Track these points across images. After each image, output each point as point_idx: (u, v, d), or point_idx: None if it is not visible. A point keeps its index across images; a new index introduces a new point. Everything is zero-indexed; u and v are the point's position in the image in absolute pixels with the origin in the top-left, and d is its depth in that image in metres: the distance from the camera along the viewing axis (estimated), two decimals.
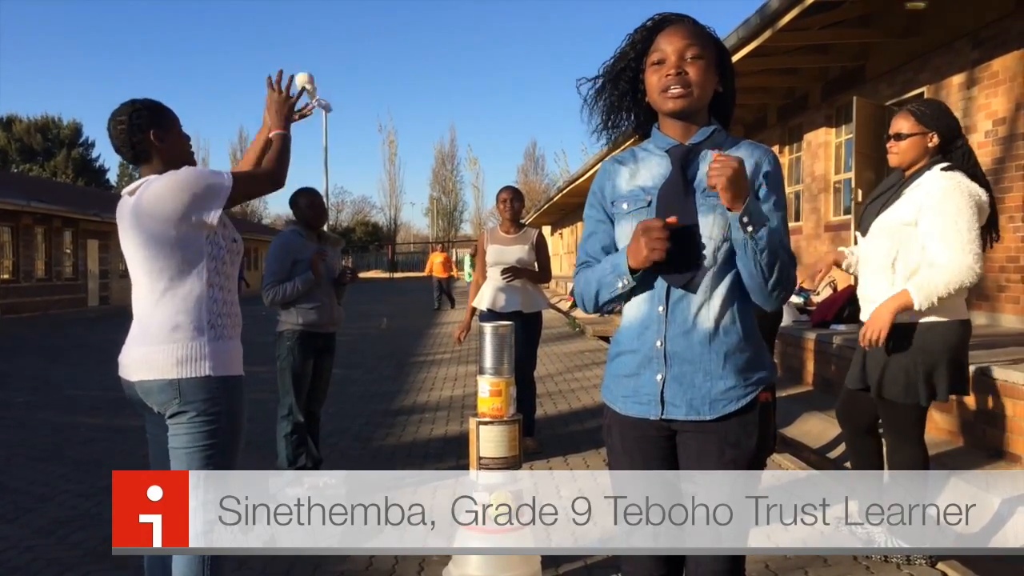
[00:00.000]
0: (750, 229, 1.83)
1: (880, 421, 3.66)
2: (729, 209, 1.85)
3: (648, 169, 2.01)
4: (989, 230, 3.39)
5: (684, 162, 1.96)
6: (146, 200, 2.52)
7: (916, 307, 3.24)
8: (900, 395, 3.38)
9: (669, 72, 1.92)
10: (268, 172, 2.76)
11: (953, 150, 3.38)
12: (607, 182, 2.08)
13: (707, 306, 1.92)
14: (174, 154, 2.64)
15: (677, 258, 1.89)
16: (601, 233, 2.07)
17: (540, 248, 5.68)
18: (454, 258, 37.93)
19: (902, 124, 3.42)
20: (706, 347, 1.92)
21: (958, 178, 3.29)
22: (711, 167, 1.83)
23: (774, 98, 12.66)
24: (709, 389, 1.92)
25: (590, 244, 2.08)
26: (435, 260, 22.51)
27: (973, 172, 3.36)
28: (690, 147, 1.97)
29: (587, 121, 2.08)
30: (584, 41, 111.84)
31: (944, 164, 3.35)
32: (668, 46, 1.93)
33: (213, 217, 2.53)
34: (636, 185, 2.01)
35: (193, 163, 2.70)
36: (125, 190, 2.67)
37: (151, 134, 2.59)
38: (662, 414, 1.95)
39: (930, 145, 3.39)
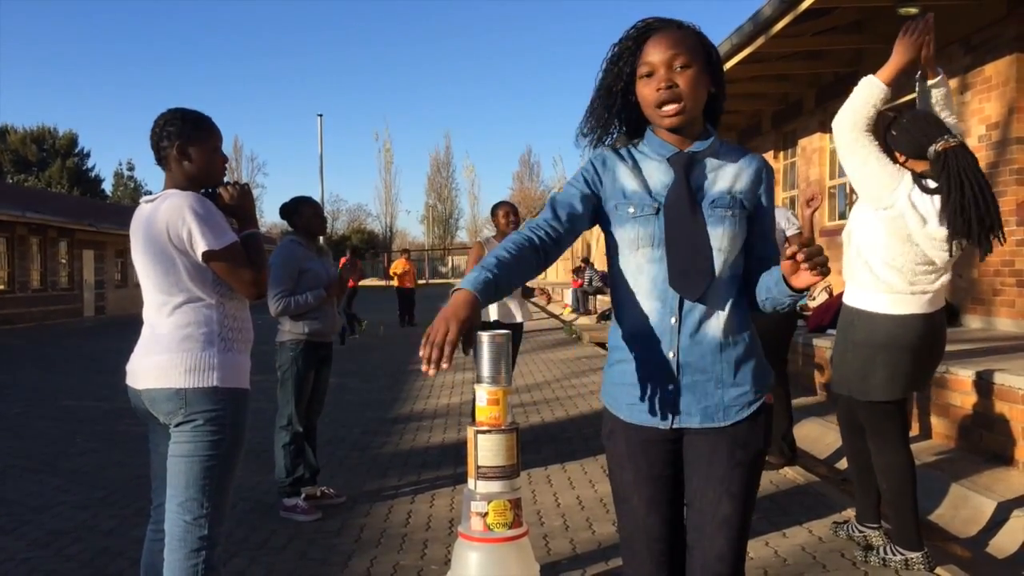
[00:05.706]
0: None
1: None
2: (790, 286, 1.82)
3: (650, 174, 1.97)
4: (968, 236, 3.35)
5: (687, 171, 1.94)
6: (160, 215, 2.53)
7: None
8: (840, 387, 3.49)
9: (660, 86, 1.87)
10: (261, 277, 2.61)
11: (932, 161, 3.39)
12: (606, 172, 1.99)
13: (717, 316, 1.93)
14: (199, 169, 2.63)
15: (690, 271, 1.90)
16: (574, 200, 1.96)
17: None
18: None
19: None
20: (717, 356, 1.94)
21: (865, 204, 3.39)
22: (802, 267, 1.73)
23: (768, 104, 12.71)
24: (722, 397, 1.94)
25: (553, 210, 1.95)
26: (396, 271, 19.35)
27: (938, 178, 3.33)
28: (692, 155, 1.94)
29: (580, 136, 2.03)
30: (578, 47, 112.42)
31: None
32: (655, 57, 1.88)
33: (200, 247, 2.49)
34: (641, 188, 1.96)
35: (221, 183, 2.69)
36: (144, 198, 2.68)
37: (176, 146, 2.59)
38: (673, 423, 1.95)
39: (904, 163, 3.49)
